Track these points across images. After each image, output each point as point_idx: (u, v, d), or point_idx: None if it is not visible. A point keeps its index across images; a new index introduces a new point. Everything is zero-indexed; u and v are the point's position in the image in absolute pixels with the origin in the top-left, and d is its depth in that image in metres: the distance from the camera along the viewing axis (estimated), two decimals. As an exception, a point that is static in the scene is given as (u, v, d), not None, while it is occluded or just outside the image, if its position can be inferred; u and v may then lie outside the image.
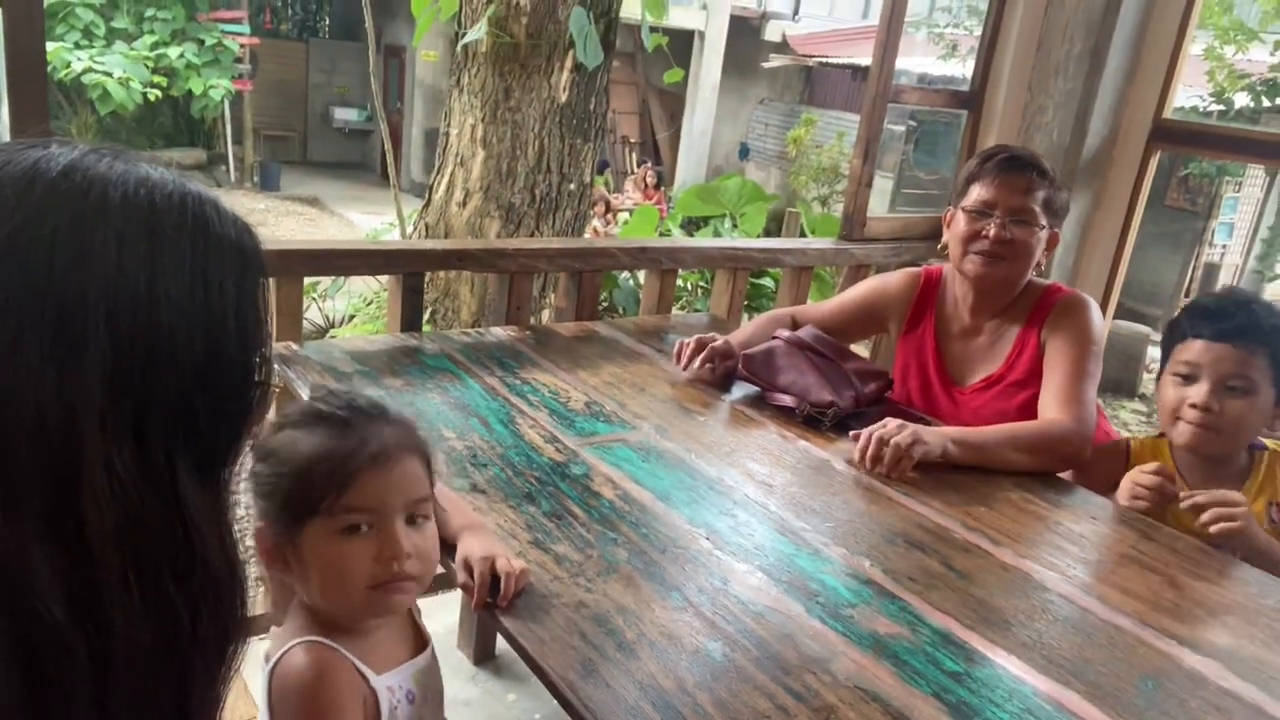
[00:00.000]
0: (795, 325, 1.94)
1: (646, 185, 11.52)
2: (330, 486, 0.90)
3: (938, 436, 1.55)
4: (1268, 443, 1.60)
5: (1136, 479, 1.48)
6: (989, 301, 1.81)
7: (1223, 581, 1.31)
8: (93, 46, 10.56)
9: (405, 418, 1.00)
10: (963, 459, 1.56)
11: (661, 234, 6.68)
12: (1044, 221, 1.72)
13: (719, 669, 0.98)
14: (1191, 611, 1.22)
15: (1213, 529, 1.36)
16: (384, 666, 0.99)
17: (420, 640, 1.06)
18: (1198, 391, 1.50)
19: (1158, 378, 1.65)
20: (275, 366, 1.62)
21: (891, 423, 1.55)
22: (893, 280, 1.96)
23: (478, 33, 3.68)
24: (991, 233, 1.71)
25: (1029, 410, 1.73)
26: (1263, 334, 1.49)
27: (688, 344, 1.84)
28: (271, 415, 1.00)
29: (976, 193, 1.74)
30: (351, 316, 4.71)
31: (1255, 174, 9.81)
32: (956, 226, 1.78)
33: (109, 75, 10.27)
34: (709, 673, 0.98)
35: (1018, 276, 1.76)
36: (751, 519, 1.32)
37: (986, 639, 1.10)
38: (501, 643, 2.21)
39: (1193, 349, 1.52)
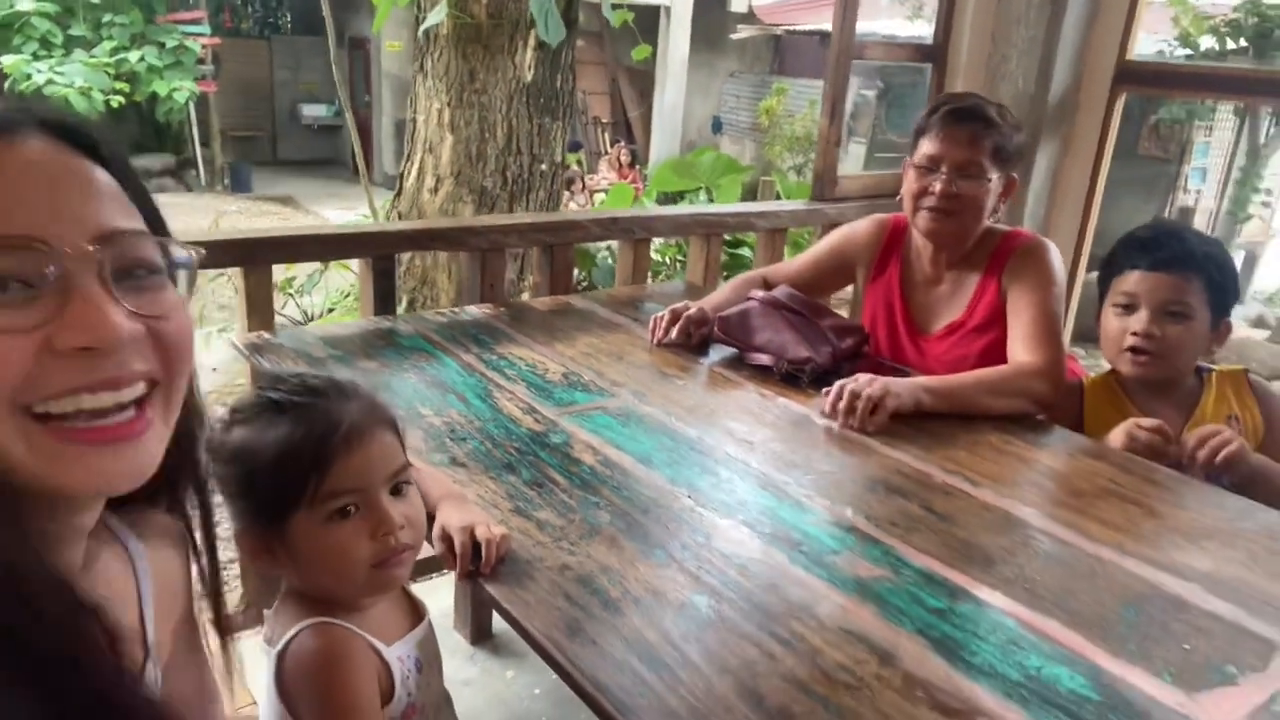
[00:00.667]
0: (768, 286, 1.94)
1: (621, 164, 11.46)
2: (308, 476, 0.89)
3: (911, 387, 1.56)
4: (1213, 366, 1.65)
5: (1133, 431, 1.50)
6: (946, 253, 1.81)
7: (1201, 508, 1.33)
8: (51, 56, 10.38)
9: (363, 390, 0.97)
10: (936, 407, 1.57)
11: (638, 211, 6.64)
12: (993, 172, 1.70)
13: (705, 621, 0.99)
14: (1171, 539, 1.23)
15: (1218, 459, 1.40)
16: (390, 638, 0.99)
17: (417, 611, 1.06)
18: (1138, 320, 1.55)
19: (1098, 313, 1.66)
20: (249, 356, 1.61)
21: (863, 376, 1.55)
22: (859, 228, 1.96)
23: (438, 16, 3.64)
24: (938, 189, 1.69)
25: (990, 355, 1.73)
26: (1196, 260, 1.54)
27: (661, 317, 1.83)
28: (221, 413, 0.96)
29: (923, 148, 1.73)
30: (330, 310, 4.68)
31: (1225, 118, 9.84)
32: (907, 182, 1.77)
33: (70, 86, 10.11)
34: (695, 625, 0.98)
35: (969, 229, 1.75)
36: (733, 476, 1.32)
37: (969, 576, 1.10)
38: (498, 622, 2.22)
39: (1130, 280, 1.57)
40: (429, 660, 1.04)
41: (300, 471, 0.89)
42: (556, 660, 0.92)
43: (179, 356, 0.60)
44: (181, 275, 0.62)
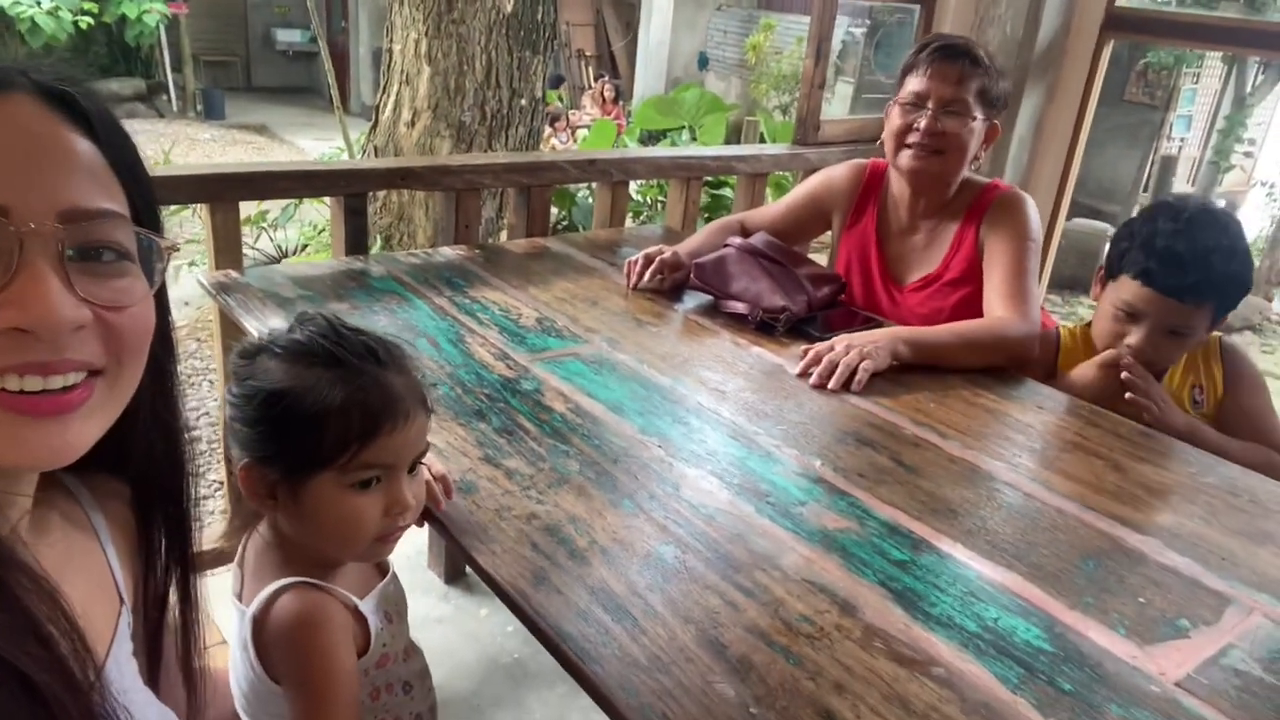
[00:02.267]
0: (746, 232, 1.92)
1: (604, 100, 11.25)
2: (349, 444, 0.88)
3: (889, 341, 1.56)
4: None
5: (1105, 365, 1.53)
6: (926, 199, 1.79)
7: (1165, 463, 1.35)
8: (14, -27, 9.98)
9: (410, 362, 0.97)
10: (914, 359, 1.57)
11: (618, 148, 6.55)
12: (978, 113, 1.68)
13: (670, 571, 0.99)
14: (1133, 493, 1.25)
15: (1134, 399, 1.46)
16: (362, 592, 1.00)
17: (382, 564, 1.07)
18: (1136, 335, 1.52)
19: (1098, 279, 1.65)
20: (215, 295, 1.58)
21: (839, 343, 1.53)
22: (837, 172, 1.93)
23: (415, -60, 3.51)
24: (923, 124, 1.67)
25: (964, 309, 1.73)
26: (1215, 290, 1.47)
27: (635, 261, 1.82)
28: (257, 336, 0.96)
29: (910, 85, 1.70)
30: (304, 246, 4.61)
31: (1213, 65, 9.78)
32: (890, 121, 1.74)
33: (36, 5, 9.75)
34: (660, 575, 0.99)
35: (952, 170, 1.72)
36: (704, 425, 1.32)
37: (933, 528, 1.12)
38: (484, 582, 2.24)
39: (1140, 294, 1.50)
40: (397, 610, 1.05)
41: (344, 437, 0.88)
42: (521, 609, 0.93)
43: (129, 349, 0.58)
44: (155, 264, 0.60)
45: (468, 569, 2.30)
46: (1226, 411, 1.58)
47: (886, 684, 0.86)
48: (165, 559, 0.73)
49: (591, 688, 0.83)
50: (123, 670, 0.65)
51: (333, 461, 0.89)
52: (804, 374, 1.51)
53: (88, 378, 0.56)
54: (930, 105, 1.67)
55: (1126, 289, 1.53)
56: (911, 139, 1.69)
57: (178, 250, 0.62)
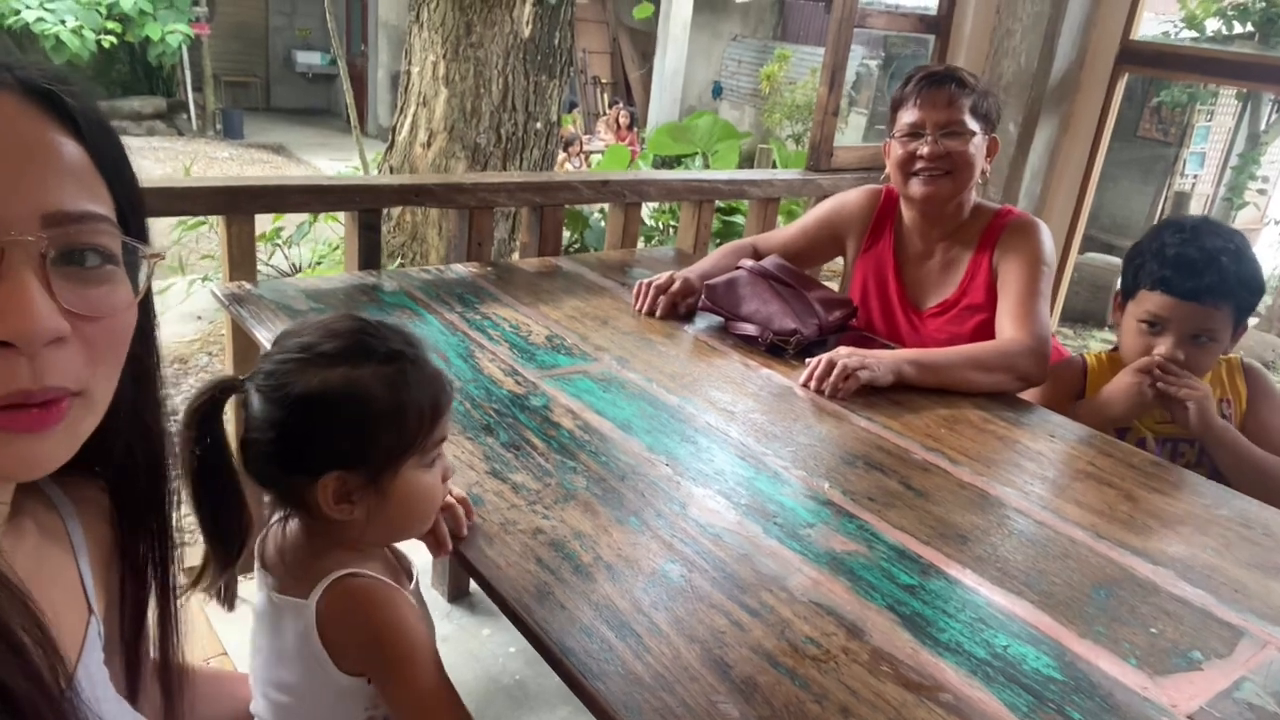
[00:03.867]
0: (758, 254, 1.93)
1: (619, 126, 11.34)
2: (425, 424, 0.92)
3: (893, 360, 1.56)
4: None
5: (1139, 366, 1.54)
6: (939, 223, 1.80)
7: (1178, 494, 1.33)
8: (41, -8, 10.16)
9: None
10: (920, 380, 1.57)
11: (633, 174, 6.59)
12: (975, 128, 1.70)
13: (675, 589, 0.98)
14: (1146, 523, 1.24)
15: (1179, 391, 1.49)
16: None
17: (407, 569, 1.07)
18: (1165, 345, 1.55)
19: (1117, 305, 1.67)
20: (228, 306, 1.59)
21: (844, 348, 1.56)
22: (851, 197, 1.94)
23: (435, -35, 3.57)
24: (925, 151, 1.69)
25: (983, 334, 1.73)
26: (1229, 290, 1.52)
27: (646, 285, 1.82)
28: (296, 347, 0.92)
29: (904, 118, 1.73)
30: (318, 262, 4.63)
31: (1227, 102, 9.79)
32: (893, 154, 1.76)
33: (61, 23, 9.91)
34: (665, 593, 0.98)
35: (962, 188, 1.74)
36: (712, 445, 1.32)
37: (942, 554, 1.10)
38: (488, 595, 2.22)
39: (1161, 302, 1.55)
40: (422, 614, 1.04)
41: (424, 419, 0.92)
42: (525, 623, 0.92)
43: (107, 359, 0.57)
44: (140, 270, 0.58)
45: (471, 588, 2.28)
46: (1250, 427, 1.59)
47: (893, 709, 0.84)
48: (143, 566, 0.72)
49: (594, 705, 0.82)
50: (93, 678, 0.64)
51: (415, 447, 0.92)
52: (808, 380, 1.54)
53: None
54: (928, 132, 1.69)
55: (1147, 301, 1.56)
56: (918, 166, 1.71)
57: (162, 259, 0.61)
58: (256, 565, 1.00)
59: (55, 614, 0.57)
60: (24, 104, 0.54)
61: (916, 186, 1.73)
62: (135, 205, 0.60)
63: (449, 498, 1.04)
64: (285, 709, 0.97)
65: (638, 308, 1.81)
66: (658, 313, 1.79)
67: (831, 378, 1.52)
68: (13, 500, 0.62)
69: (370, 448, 0.90)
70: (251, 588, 0.99)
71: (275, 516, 1.00)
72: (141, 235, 0.61)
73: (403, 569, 1.06)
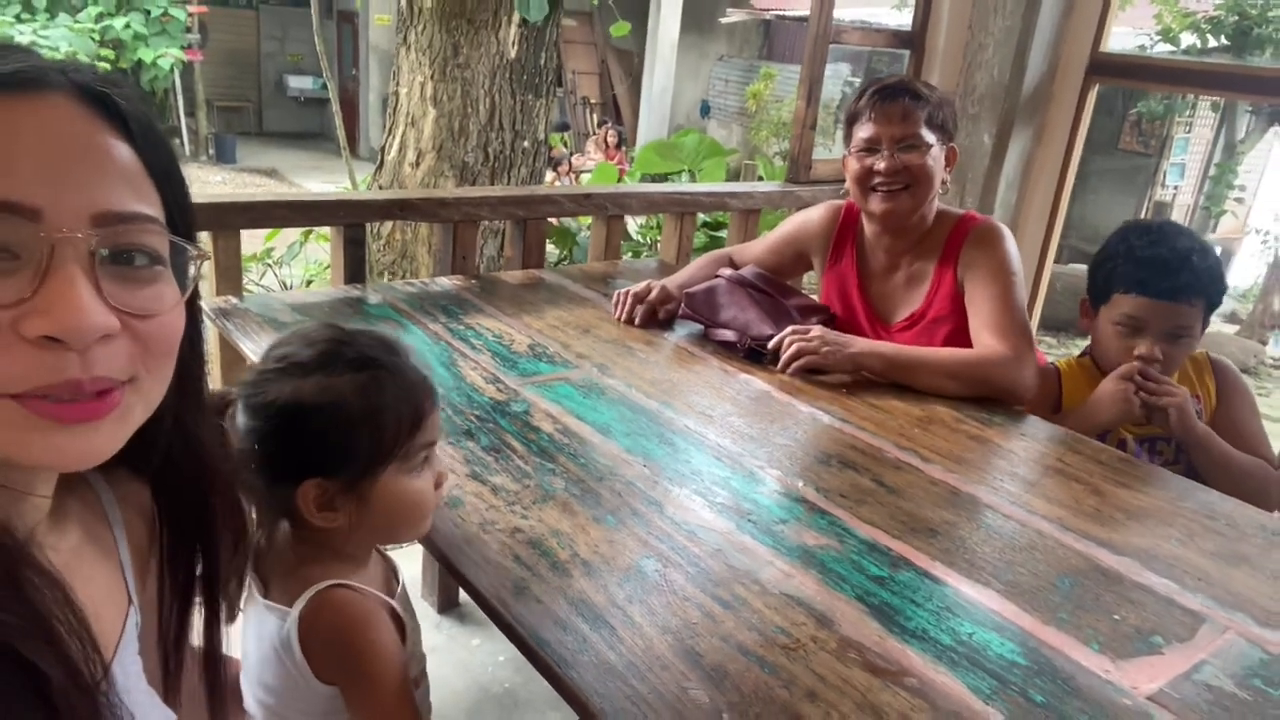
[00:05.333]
0: (735, 265, 1.95)
1: (607, 145, 11.41)
2: (406, 431, 0.93)
3: (860, 350, 1.63)
4: None
5: (1122, 372, 1.56)
6: (901, 237, 1.78)
7: (1144, 488, 1.35)
8: (35, 19, 10.22)
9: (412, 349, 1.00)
10: (884, 375, 1.61)
11: (621, 191, 6.61)
12: (931, 140, 1.68)
13: (650, 584, 1.00)
14: (1112, 516, 1.26)
15: (1164, 401, 1.51)
16: (388, 593, 1.02)
17: (395, 574, 1.08)
18: (1145, 345, 1.58)
19: (1085, 310, 1.69)
20: (215, 320, 1.60)
21: (815, 330, 1.63)
22: (812, 215, 1.94)
23: (422, -12, 3.61)
24: (882, 165, 1.68)
25: (952, 344, 1.72)
26: (1202, 287, 1.57)
27: (626, 294, 1.84)
28: (255, 362, 0.96)
29: (859, 133, 1.72)
30: (309, 282, 4.65)
31: (1205, 114, 9.91)
32: (850, 170, 1.74)
33: (55, 50, 9.96)
34: (640, 588, 0.99)
35: (922, 202, 1.72)
36: (690, 447, 1.34)
37: (912, 547, 1.12)
38: (464, 592, 2.23)
39: (1138, 304, 1.58)
40: (409, 618, 1.05)
41: (399, 429, 0.92)
42: (501, 616, 0.93)
43: (157, 356, 0.58)
44: (188, 270, 0.60)
45: (461, 598, 2.29)
46: (1219, 422, 1.62)
47: (860, 693, 0.86)
48: (185, 564, 0.73)
49: (568, 693, 0.84)
50: (127, 670, 0.65)
51: (394, 454, 0.92)
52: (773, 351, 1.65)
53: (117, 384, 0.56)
54: (884, 146, 1.68)
55: (1124, 304, 1.60)
56: (875, 181, 1.69)
57: (209, 258, 0.63)
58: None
59: (95, 605, 0.59)
60: (77, 106, 0.55)
61: (876, 202, 1.72)
62: (184, 208, 0.61)
63: None
64: (270, 710, 0.98)
65: (617, 316, 1.83)
66: (637, 320, 1.81)
67: (785, 358, 1.62)
68: (57, 492, 0.62)
69: (345, 455, 0.91)
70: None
71: (262, 525, 1.02)
72: (189, 237, 0.61)
73: (392, 573, 1.07)
